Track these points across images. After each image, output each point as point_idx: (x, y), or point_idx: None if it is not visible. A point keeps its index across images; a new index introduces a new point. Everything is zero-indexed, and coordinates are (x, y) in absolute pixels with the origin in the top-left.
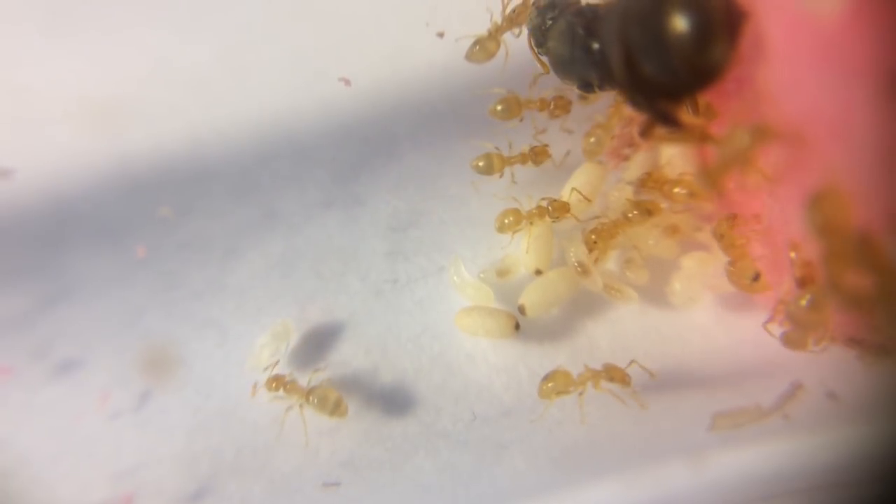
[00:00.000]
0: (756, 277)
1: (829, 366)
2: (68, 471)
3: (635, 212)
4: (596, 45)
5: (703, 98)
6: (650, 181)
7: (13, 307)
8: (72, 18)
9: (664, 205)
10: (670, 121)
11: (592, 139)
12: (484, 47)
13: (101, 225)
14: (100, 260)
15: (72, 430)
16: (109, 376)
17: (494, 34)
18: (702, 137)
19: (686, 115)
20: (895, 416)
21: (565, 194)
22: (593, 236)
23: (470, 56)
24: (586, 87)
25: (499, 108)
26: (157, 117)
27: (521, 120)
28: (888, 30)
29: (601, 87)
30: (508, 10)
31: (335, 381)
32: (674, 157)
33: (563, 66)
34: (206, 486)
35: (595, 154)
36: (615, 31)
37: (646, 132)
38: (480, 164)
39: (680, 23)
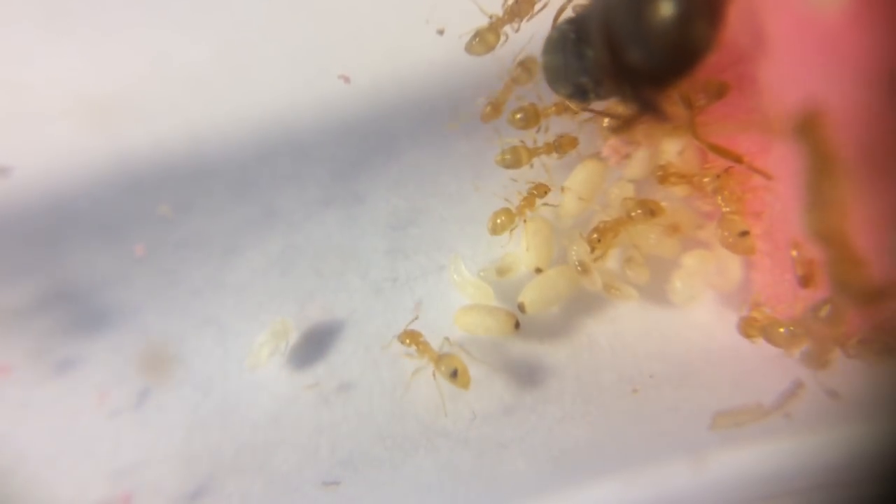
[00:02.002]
0: (744, 234)
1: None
2: (67, 469)
3: (638, 210)
4: (588, 51)
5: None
6: (672, 176)
7: (11, 304)
8: (71, 16)
9: (665, 203)
10: (655, 110)
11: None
12: (483, 39)
13: (100, 223)
14: (99, 258)
15: (70, 429)
16: (108, 374)
17: (494, 26)
18: (686, 129)
19: (672, 106)
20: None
21: (565, 193)
22: (595, 234)
23: (469, 48)
24: (581, 94)
25: (518, 116)
26: (157, 115)
27: (539, 131)
28: (889, 28)
29: (596, 93)
30: (510, 2)
31: (333, 378)
32: (673, 154)
33: (557, 76)
34: (205, 485)
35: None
36: (598, 20)
37: (620, 127)
38: (507, 157)
39: (661, 5)
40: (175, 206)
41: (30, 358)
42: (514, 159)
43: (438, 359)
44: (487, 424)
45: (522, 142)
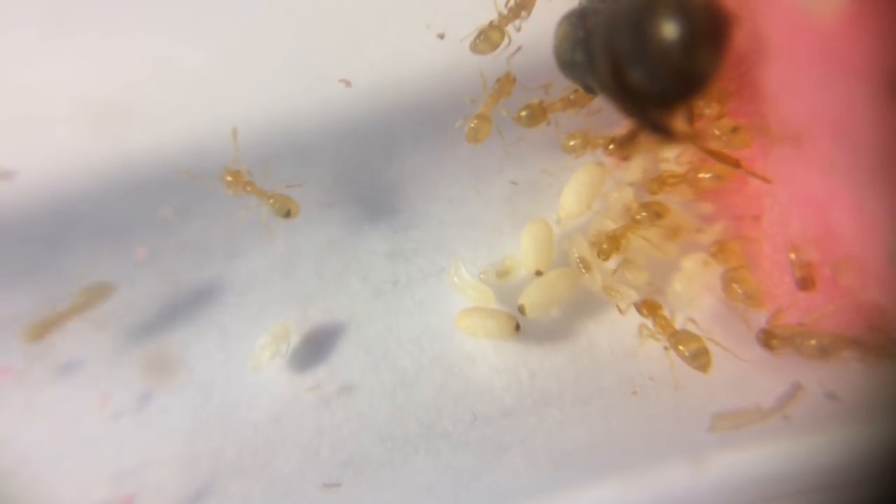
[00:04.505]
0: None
1: (829, 366)
2: (69, 471)
3: (643, 213)
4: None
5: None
6: (668, 178)
7: (14, 307)
8: (73, 20)
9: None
10: (661, 130)
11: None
12: (488, 38)
13: (102, 226)
14: (101, 261)
15: (72, 431)
16: (110, 377)
17: (499, 24)
18: (688, 140)
19: (679, 124)
20: (895, 416)
21: (566, 197)
22: (605, 245)
23: (474, 47)
24: (588, 90)
25: (523, 114)
26: (159, 118)
27: (549, 124)
28: (887, 30)
29: (601, 91)
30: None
31: (334, 380)
32: (671, 159)
33: (565, 66)
34: (206, 487)
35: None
36: (602, 40)
37: (623, 144)
38: (524, 114)
39: (665, 31)
40: (177, 209)
41: (32, 360)
42: (530, 116)
43: (270, 197)
44: (488, 426)
45: (575, 138)
